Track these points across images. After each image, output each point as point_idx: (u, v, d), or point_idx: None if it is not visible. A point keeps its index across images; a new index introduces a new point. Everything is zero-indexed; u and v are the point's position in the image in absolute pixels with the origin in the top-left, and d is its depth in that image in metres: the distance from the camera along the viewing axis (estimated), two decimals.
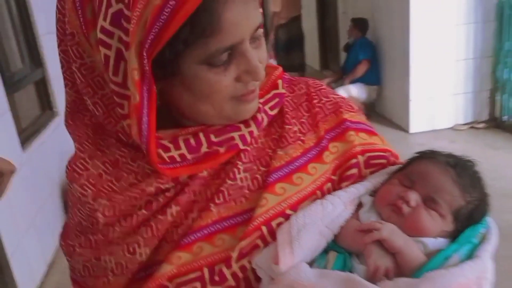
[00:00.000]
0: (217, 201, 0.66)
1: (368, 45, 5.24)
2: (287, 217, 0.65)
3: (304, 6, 7.46)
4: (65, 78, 0.68)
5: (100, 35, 0.55)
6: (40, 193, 3.14)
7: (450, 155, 0.70)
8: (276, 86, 0.73)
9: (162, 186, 0.65)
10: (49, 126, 3.49)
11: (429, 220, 0.65)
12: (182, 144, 0.63)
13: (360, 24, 5.30)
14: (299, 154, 0.70)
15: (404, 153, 0.77)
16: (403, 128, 4.83)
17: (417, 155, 0.72)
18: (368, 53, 5.17)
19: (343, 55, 5.91)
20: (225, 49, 0.58)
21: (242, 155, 0.68)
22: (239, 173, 0.67)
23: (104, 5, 0.54)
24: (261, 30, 0.62)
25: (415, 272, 0.59)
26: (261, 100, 0.70)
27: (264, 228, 0.65)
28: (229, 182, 0.67)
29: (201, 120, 0.65)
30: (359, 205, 0.68)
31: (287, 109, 0.73)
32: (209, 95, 0.61)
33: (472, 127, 4.70)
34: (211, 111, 0.63)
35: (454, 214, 0.66)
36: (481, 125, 4.68)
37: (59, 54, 0.67)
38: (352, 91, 5.00)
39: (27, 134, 3.07)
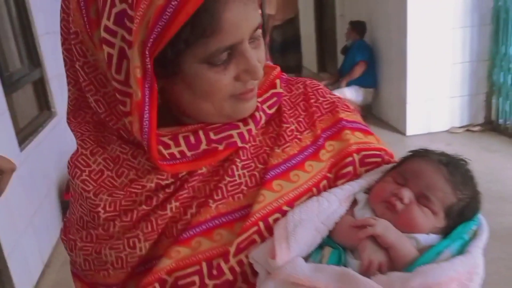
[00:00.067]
0: (215, 197, 0.67)
1: (366, 48, 5.27)
2: (283, 213, 0.67)
3: (302, 8, 7.48)
4: (68, 76, 0.70)
5: (103, 34, 0.57)
6: (38, 193, 3.15)
7: (442, 154, 0.72)
8: (274, 86, 0.74)
9: (162, 182, 0.66)
10: (47, 126, 3.50)
11: (422, 216, 0.67)
12: (182, 141, 0.65)
13: (358, 27, 5.33)
14: (296, 152, 0.72)
15: (401, 156, 0.79)
16: (400, 130, 4.85)
17: (411, 153, 0.74)
18: (365, 55, 5.19)
19: (340, 58, 5.93)
20: (225, 49, 0.59)
21: (240, 152, 0.70)
22: (237, 170, 0.69)
23: (108, 5, 0.56)
24: (259, 31, 0.64)
25: (408, 266, 0.61)
26: (260, 99, 0.71)
27: (261, 224, 0.66)
28: (228, 179, 0.68)
29: (201, 118, 0.67)
30: (354, 202, 0.70)
31: (284, 108, 0.75)
32: (209, 93, 0.62)
33: (468, 130, 4.73)
34: (211, 109, 0.64)
35: (446, 211, 0.67)
36: (476, 128, 4.71)
37: (63, 53, 0.68)
38: (347, 94, 5.01)
39: (25, 134, 3.08)
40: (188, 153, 0.65)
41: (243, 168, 0.69)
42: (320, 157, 0.73)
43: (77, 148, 0.71)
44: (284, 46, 6.02)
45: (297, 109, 0.76)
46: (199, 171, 0.68)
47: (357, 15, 5.61)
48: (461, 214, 0.68)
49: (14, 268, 2.47)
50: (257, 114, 0.69)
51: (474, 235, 0.66)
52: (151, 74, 0.57)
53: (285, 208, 0.68)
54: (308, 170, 0.71)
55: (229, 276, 0.64)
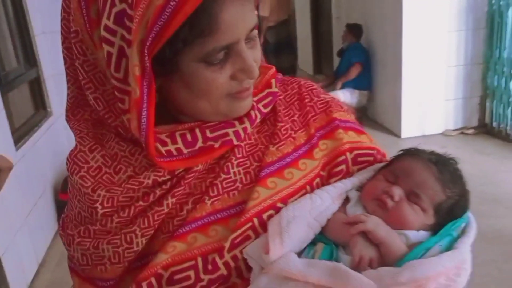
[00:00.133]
0: (211, 193, 0.69)
1: (362, 50, 5.29)
2: (277, 210, 0.69)
3: (298, 11, 7.50)
4: (67, 75, 0.71)
5: (103, 33, 0.58)
6: (33, 192, 3.15)
7: (432, 153, 0.74)
8: (269, 85, 0.76)
9: (159, 179, 0.67)
10: (43, 125, 3.50)
11: (412, 213, 0.68)
12: (179, 139, 0.66)
13: (354, 30, 5.35)
14: (290, 151, 0.73)
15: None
16: (395, 133, 4.87)
17: (401, 152, 0.76)
18: (361, 57, 5.21)
19: (336, 60, 5.95)
20: (221, 48, 0.61)
21: (236, 150, 0.71)
22: (232, 167, 0.70)
23: (108, 5, 0.57)
24: (256, 31, 0.65)
25: (397, 262, 0.62)
26: (255, 98, 0.73)
27: (255, 220, 0.68)
28: (223, 176, 0.70)
29: (197, 116, 0.68)
30: (346, 200, 0.72)
31: (279, 108, 0.77)
32: (206, 92, 0.64)
33: (462, 133, 4.75)
34: (208, 107, 0.66)
35: (435, 208, 0.69)
36: (470, 131, 4.74)
37: (63, 51, 0.69)
38: (340, 97, 5.03)
39: (20, 133, 3.08)
40: (185, 151, 0.66)
41: (238, 165, 0.71)
42: (313, 155, 0.74)
43: (76, 145, 0.72)
44: (277, 48, 6.03)
45: (292, 109, 0.78)
46: (195, 168, 0.69)
47: (353, 18, 5.63)
48: (450, 211, 0.70)
49: (9, 268, 2.47)
50: (252, 113, 0.71)
51: (463, 232, 0.68)
52: (149, 73, 0.58)
53: (279, 205, 0.69)
54: (302, 168, 0.73)
55: (223, 271, 0.66)
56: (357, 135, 0.79)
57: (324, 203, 0.69)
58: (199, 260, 0.66)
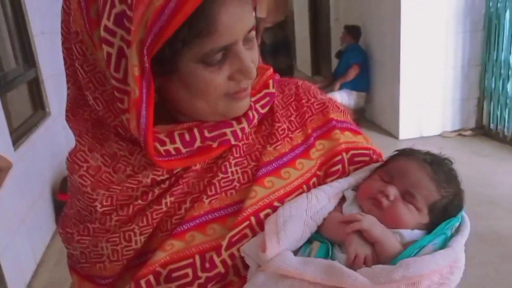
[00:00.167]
0: (209, 192, 0.70)
1: (360, 51, 5.31)
2: (274, 209, 0.69)
3: (297, 12, 7.51)
4: (67, 75, 0.71)
5: (103, 34, 0.59)
6: (31, 192, 3.15)
7: (427, 153, 0.75)
8: (267, 86, 0.77)
9: (157, 178, 0.68)
10: (41, 125, 3.50)
11: (407, 213, 0.69)
12: (177, 139, 0.67)
13: (353, 31, 5.37)
14: (287, 150, 0.74)
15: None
16: (393, 134, 4.88)
17: (397, 152, 0.77)
18: (359, 59, 5.23)
19: (334, 62, 5.97)
20: (219, 49, 0.62)
21: (233, 150, 0.72)
22: (230, 167, 0.71)
23: (108, 6, 0.58)
24: (253, 32, 0.66)
25: (392, 260, 0.63)
26: (253, 99, 0.73)
27: (252, 219, 0.69)
28: (221, 175, 0.71)
29: (196, 116, 0.69)
30: (342, 199, 0.73)
31: (277, 108, 0.78)
32: (204, 92, 0.65)
33: (459, 134, 4.77)
34: (206, 107, 0.67)
35: (429, 208, 0.70)
36: (468, 133, 4.76)
37: (63, 52, 0.70)
38: (338, 98, 5.04)
39: (19, 134, 3.08)
40: (183, 150, 0.67)
41: (236, 165, 0.72)
42: (310, 155, 0.75)
43: (76, 145, 0.73)
44: (274, 49, 6.03)
45: (289, 109, 0.79)
46: (194, 168, 0.70)
47: (352, 19, 5.65)
48: (444, 211, 0.71)
49: (7, 268, 2.47)
50: (250, 113, 0.72)
51: (457, 231, 0.69)
52: (148, 73, 0.59)
53: (276, 204, 0.70)
54: (299, 167, 0.74)
55: (221, 269, 0.67)
56: (354, 136, 0.80)
57: (320, 202, 0.70)
58: (197, 258, 0.67)
